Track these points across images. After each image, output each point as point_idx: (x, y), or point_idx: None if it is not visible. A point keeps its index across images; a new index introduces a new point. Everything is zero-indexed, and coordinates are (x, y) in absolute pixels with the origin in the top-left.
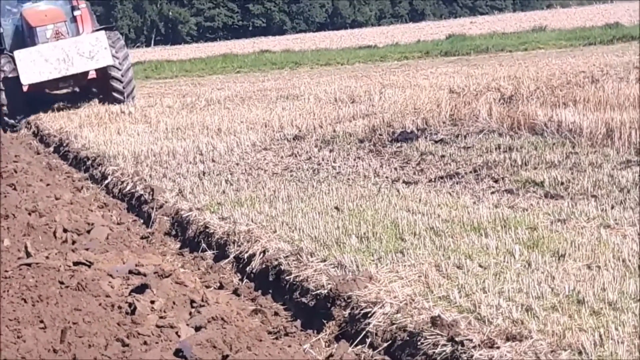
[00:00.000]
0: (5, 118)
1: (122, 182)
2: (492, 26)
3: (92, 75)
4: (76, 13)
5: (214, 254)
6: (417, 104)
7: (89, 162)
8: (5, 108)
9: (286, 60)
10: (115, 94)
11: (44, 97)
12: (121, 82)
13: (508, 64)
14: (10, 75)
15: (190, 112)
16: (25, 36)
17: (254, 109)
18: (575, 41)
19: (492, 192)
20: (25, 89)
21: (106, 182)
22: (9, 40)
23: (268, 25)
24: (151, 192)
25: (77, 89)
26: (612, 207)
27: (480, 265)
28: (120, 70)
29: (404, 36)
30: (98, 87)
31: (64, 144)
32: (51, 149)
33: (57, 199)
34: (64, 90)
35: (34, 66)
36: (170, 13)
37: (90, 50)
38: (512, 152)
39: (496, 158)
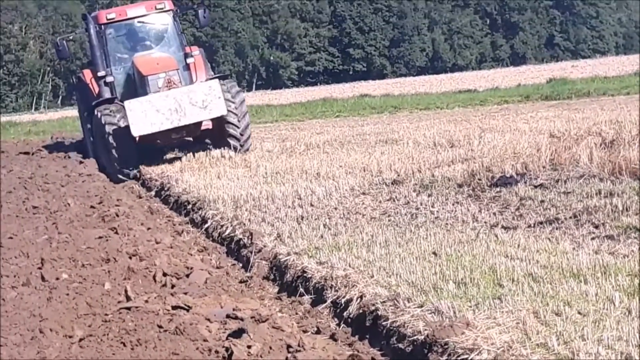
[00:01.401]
0: (117, 167)
1: (222, 226)
2: (594, 70)
3: (207, 125)
4: (189, 61)
5: (311, 298)
6: (517, 149)
7: (189, 206)
8: (116, 157)
9: (385, 105)
10: (231, 140)
11: (156, 147)
12: (237, 127)
13: (610, 108)
14: (121, 125)
15: (290, 156)
16: (136, 85)
17: (353, 153)
18: None
19: (592, 238)
20: (136, 139)
21: (206, 226)
22: (120, 89)
23: (368, 70)
24: (250, 236)
25: (190, 139)
26: None
27: (579, 312)
28: (236, 115)
29: (504, 80)
30: (212, 138)
31: (165, 188)
32: (152, 193)
33: (157, 242)
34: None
35: (144, 117)
36: (272, 58)
37: (203, 99)
38: (613, 198)
39: (597, 203)
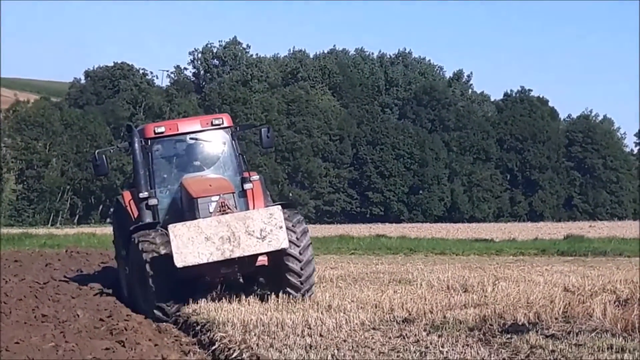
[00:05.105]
0: (153, 302)
1: (229, 349)
2: (612, 231)
3: (262, 261)
4: (247, 187)
5: None
6: (530, 298)
7: (197, 327)
8: (153, 290)
9: (401, 246)
10: (289, 289)
11: (201, 282)
12: (299, 275)
13: (626, 268)
14: (162, 253)
15: None
16: (183, 210)
17: (366, 290)
18: None
19: None
20: (178, 271)
21: (213, 347)
22: (163, 215)
23: (385, 214)
24: None
25: (240, 279)
26: None
27: None
28: (300, 261)
29: (521, 233)
30: (267, 277)
31: None
32: None
33: (163, 358)
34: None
35: (191, 245)
36: (291, 194)
37: (262, 228)
38: (625, 353)
39: (608, 357)
